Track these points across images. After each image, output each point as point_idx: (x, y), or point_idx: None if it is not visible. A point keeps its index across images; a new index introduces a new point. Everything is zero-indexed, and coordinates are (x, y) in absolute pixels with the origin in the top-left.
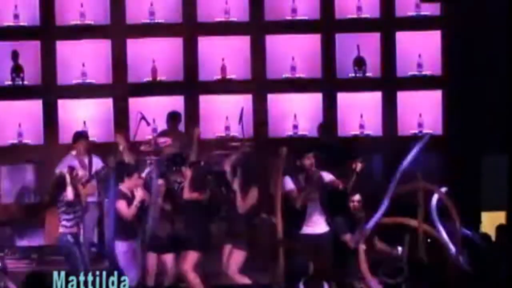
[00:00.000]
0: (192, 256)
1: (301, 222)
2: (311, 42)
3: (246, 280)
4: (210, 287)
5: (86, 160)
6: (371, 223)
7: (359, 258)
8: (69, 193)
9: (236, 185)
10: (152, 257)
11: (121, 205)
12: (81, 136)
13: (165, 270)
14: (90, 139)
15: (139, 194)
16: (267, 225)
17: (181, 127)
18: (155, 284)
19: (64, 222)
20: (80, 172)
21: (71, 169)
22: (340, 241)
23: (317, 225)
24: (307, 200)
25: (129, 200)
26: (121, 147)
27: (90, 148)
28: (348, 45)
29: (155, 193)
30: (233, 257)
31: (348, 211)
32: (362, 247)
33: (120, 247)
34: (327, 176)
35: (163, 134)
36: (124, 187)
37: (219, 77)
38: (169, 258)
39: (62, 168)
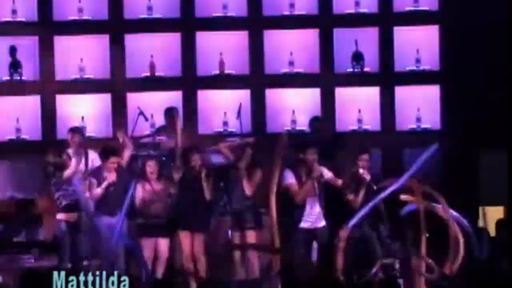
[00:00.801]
0: (201, 238)
1: (299, 216)
2: (309, 37)
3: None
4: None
5: (82, 156)
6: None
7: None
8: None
9: (241, 166)
10: (147, 242)
11: (90, 183)
12: (76, 130)
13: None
14: (88, 134)
15: (109, 176)
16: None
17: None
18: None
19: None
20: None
21: None
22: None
23: (315, 219)
24: (306, 195)
25: (100, 180)
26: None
27: (85, 143)
28: (346, 40)
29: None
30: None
31: (345, 207)
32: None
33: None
34: (327, 173)
35: (161, 129)
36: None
37: (217, 72)
38: (163, 243)
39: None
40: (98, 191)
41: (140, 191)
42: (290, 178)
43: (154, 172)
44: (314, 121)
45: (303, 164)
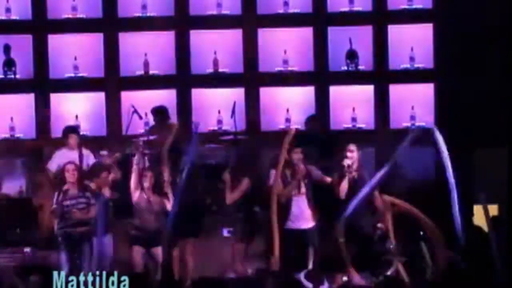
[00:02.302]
0: (191, 244)
1: (285, 217)
2: (304, 35)
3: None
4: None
5: (76, 155)
6: (349, 211)
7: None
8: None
9: (226, 177)
10: (138, 252)
11: None
12: (70, 130)
13: (155, 264)
14: (82, 133)
15: (106, 193)
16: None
17: (173, 120)
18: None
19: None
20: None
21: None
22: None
23: (302, 220)
24: (291, 195)
25: None
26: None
27: (80, 143)
28: (341, 38)
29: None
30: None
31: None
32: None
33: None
34: (315, 172)
35: (152, 129)
36: (92, 185)
37: (211, 70)
38: (159, 251)
39: (53, 163)
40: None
41: (135, 202)
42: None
43: (150, 184)
44: (310, 119)
45: (289, 164)
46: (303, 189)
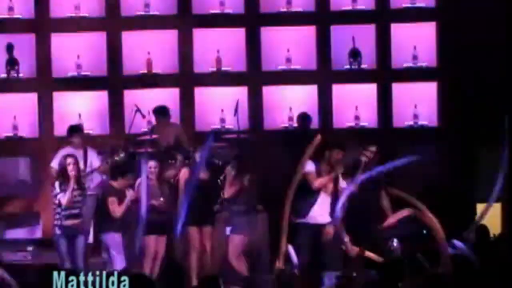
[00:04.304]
0: (209, 232)
1: (306, 210)
2: (306, 34)
3: (242, 265)
4: None
5: (81, 153)
6: (337, 212)
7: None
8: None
9: (228, 171)
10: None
11: (112, 201)
12: (75, 129)
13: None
14: (85, 131)
15: (130, 193)
16: (264, 218)
17: (175, 119)
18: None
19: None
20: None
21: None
22: None
23: (321, 215)
24: (321, 189)
25: (121, 197)
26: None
27: (85, 141)
28: (343, 37)
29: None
30: (232, 243)
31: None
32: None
33: (117, 238)
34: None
35: (153, 129)
36: (116, 184)
37: (214, 69)
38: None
39: (57, 162)
40: (123, 208)
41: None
42: (310, 166)
43: (154, 172)
44: (300, 117)
45: (326, 161)
46: (331, 189)
